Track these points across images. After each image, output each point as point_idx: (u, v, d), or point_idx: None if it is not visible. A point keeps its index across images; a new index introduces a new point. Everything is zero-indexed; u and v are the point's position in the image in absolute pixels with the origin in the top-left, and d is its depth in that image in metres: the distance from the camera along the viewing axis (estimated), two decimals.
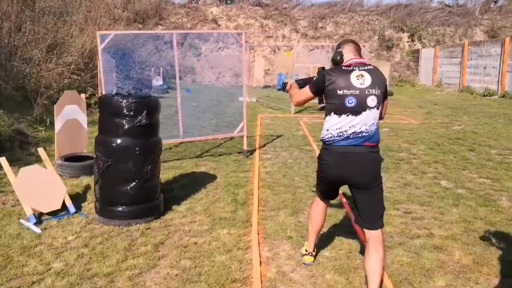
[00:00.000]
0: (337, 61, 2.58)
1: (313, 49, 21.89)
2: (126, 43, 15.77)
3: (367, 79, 2.44)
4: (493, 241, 3.33)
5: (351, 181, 2.51)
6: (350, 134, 2.43)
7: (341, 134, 2.44)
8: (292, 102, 2.84)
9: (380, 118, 2.56)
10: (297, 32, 23.84)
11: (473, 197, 4.45)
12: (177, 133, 7.78)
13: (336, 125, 2.45)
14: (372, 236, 2.47)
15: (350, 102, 2.41)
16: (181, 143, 6.37)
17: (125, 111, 3.41)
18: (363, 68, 2.48)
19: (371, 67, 2.52)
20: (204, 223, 3.60)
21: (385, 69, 17.56)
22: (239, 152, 6.20)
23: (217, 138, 6.51)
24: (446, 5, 25.70)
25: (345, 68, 2.50)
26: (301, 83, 2.87)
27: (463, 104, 13.43)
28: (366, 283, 2.46)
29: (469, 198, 4.41)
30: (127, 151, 3.43)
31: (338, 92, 2.43)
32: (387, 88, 2.58)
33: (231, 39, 23.40)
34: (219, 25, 23.40)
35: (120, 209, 3.46)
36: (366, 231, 2.52)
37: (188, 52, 21.43)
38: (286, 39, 23.10)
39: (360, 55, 2.60)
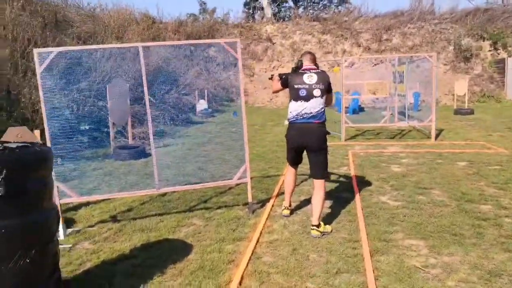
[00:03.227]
0: (298, 66, 4.04)
1: (377, 64, 19.71)
2: (170, 62, 14.92)
3: (314, 78, 3.86)
4: None
5: (306, 147, 3.88)
6: (304, 114, 3.80)
7: (298, 114, 3.84)
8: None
9: (329, 104, 3.99)
10: (359, 46, 21.74)
11: None
12: (194, 170, 6.36)
13: (295, 108, 3.86)
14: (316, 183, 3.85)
15: (302, 93, 3.82)
16: (165, 194, 4.85)
17: None
18: (313, 71, 3.92)
19: (319, 70, 3.96)
20: None
21: (463, 83, 14.82)
22: (245, 204, 4.55)
23: (205, 187, 4.83)
24: None
25: (301, 71, 3.95)
26: (283, 77, 4.10)
27: None
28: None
29: None
30: None
31: (295, 86, 3.87)
32: None
33: (285, 57, 22.02)
34: (273, 43, 22.13)
35: None
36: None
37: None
38: (347, 54, 21.09)
39: (314, 62, 4.00)
